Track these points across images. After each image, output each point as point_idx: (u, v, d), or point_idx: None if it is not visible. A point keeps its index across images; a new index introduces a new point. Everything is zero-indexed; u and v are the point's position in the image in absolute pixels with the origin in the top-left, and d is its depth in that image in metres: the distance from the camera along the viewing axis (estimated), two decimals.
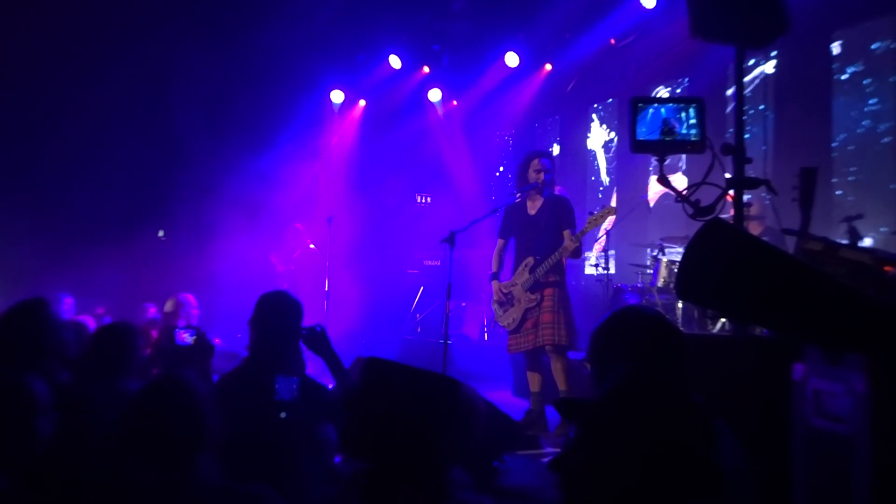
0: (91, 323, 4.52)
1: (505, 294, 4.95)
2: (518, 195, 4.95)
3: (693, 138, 2.67)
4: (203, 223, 9.14)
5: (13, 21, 7.61)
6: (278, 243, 8.58)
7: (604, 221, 4.88)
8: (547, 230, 4.82)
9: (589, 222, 4.77)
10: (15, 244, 7.90)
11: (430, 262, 8.34)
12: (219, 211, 8.89)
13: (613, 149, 8.87)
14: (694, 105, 2.66)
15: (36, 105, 8.20)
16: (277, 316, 2.78)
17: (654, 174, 8.15)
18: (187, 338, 3.06)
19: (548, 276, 4.75)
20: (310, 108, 9.73)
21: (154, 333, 5.04)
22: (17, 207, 8.08)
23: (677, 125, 2.67)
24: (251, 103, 9.30)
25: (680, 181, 7.56)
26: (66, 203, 8.46)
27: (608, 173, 8.94)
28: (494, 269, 5.08)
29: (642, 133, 2.67)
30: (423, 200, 9.70)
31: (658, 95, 7.71)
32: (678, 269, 1.95)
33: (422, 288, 8.31)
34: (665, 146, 2.71)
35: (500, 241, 5.11)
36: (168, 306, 5.06)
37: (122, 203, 8.84)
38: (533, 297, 4.77)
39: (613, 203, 8.37)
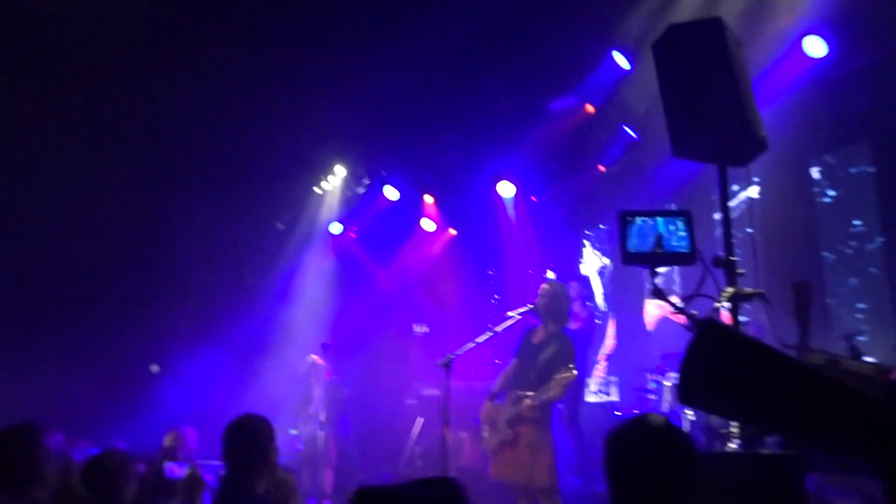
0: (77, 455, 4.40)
1: (493, 417, 4.89)
2: (518, 315, 4.95)
3: (683, 250, 2.72)
4: (200, 358, 9.08)
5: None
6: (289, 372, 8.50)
7: (566, 382, 4.68)
8: (543, 365, 4.79)
9: (551, 386, 4.60)
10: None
11: (428, 392, 8.17)
12: (214, 348, 8.91)
13: (608, 274, 8.96)
14: (682, 218, 2.72)
15: (40, 247, 8.35)
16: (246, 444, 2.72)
17: (649, 297, 8.22)
18: (178, 471, 3.00)
19: (530, 411, 4.66)
20: (314, 237, 9.97)
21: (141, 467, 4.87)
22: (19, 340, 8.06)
23: (667, 238, 2.72)
24: (244, 234, 9.53)
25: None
26: (61, 340, 8.44)
27: (605, 298, 8.97)
28: (496, 388, 5.03)
29: (633, 245, 2.72)
30: (421, 330, 9.68)
31: None
32: (679, 373, 1.92)
33: (420, 419, 8.09)
34: (656, 258, 2.75)
35: (514, 362, 5.06)
36: (167, 440, 4.95)
37: (114, 337, 8.83)
38: (508, 431, 4.71)
39: (611, 328, 8.35)
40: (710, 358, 1.86)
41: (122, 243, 8.77)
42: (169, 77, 7.16)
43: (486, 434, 4.95)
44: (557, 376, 4.56)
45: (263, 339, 9.12)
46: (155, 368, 9.67)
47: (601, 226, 9.07)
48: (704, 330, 2.04)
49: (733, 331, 2.54)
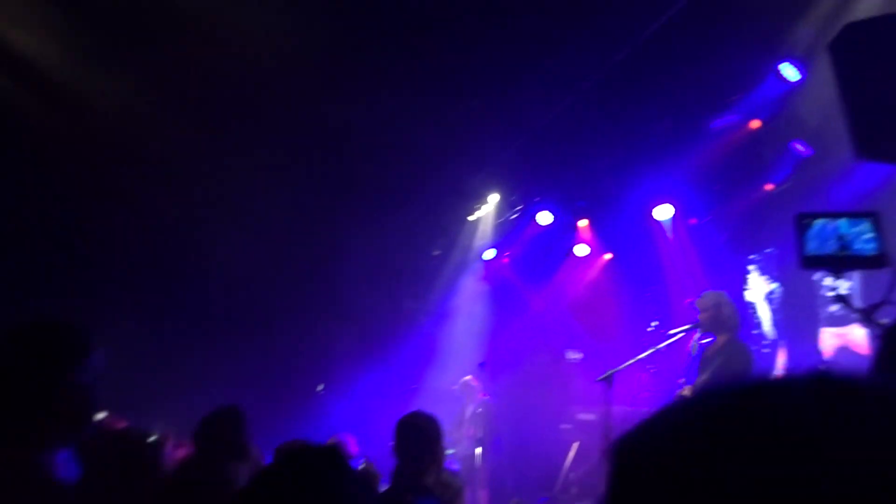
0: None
1: None
2: (680, 333, 4.82)
3: (871, 253, 2.55)
4: (360, 378, 9.53)
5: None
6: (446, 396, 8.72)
7: None
8: (715, 373, 4.59)
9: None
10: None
11: (584, 416, 8.04)
12: (374, 368, 9.33)
13: (777, 300, 8.43)
14: (869, 218, 2.56)
15: (219, 271, 9.14)
16: (416, 439, 2.83)
17: (827, 325, 7.62)
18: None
19: None
20: (468, 263, 10.22)
21: None
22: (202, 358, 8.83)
23: (852, 239, 2.56)
24: (407, 264, 9.92)
25: (859, 332, 7.00)
26: (237, 358, 9.15)
27: (773, 325, 8.44)
28: None
29: (812, 248, 2.58)
30: (574, 357, 9.58)
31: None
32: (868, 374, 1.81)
33: (576, 444, 7.96)
34: (840, 261, 2.59)
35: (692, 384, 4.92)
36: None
37: (285, 358, 9.48)
38: None
39: (781, 358, 7.82)
40: None
41: (291, 267, 9.46)
42: (340, 107, 7.67)
43: None
44: None
45: (420, 360, 9.41)
46: (320, 388, 10.25)
47: (768, 249, 8.57)
48: (893, 337, 1.91)
49: None
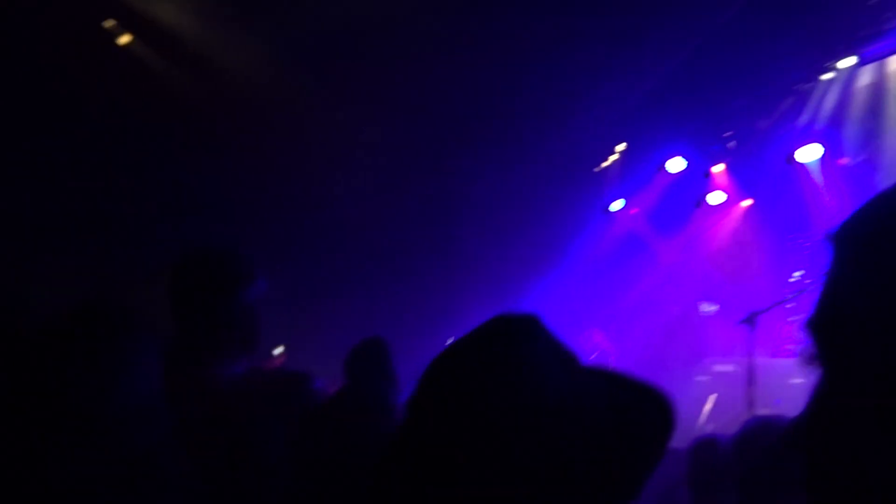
0: None
1: None
2: None
3: None
4: None
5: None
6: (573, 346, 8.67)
7: None
8: None
9: None
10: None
11: (721, 368, 7.73)
12: None
13: None
14: None
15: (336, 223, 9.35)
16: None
17: None
18: None
19: None
20: (591, 218, 10.03)
21: None
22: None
23: None
24: (535, 216, 9.83)
25: None
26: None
27: None
28: None
29: None
30: (709, 309, 9.20)
31: None
32: None
33: (713, 395, 7.67)
34: None
35: None
36: None
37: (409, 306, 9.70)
38: None
39: None
40: None
41: (408, 215, 9.58)
42: (463, 58, 7.64)
43: None
44: None
45: (550, 313, 9.35)
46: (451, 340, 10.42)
47: None
48: None
49: None
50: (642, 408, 0.90)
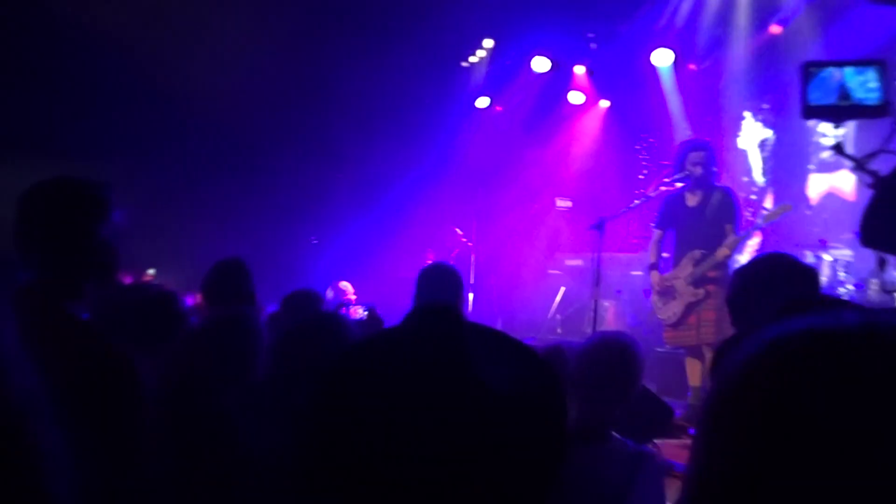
0: None
1: (666, 286, 4.90)
2: (678, 184, 4.90)
3: (873, 102, 2.56)
4: (357, 227, 9.65)
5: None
6: (434, 241, 8.89)
7: (777, 218, 4.79)
8: (711, 223, 4.74)
9: (765, 218, 4.70)
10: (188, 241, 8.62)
11: (571, 262, 8.31)
12: (372, 212, 9.42)
13: (769, 147, 8.46)
14: (874, 67, 2.54)
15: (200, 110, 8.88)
16: (440, 288, 2.93)
17: (816, 171, 7.72)
18: (360, 312, 3.34)
19: (714, 270, 4.67)
20: (457, 113, 10.06)
21: None
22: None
23: (854, 89, 2.56)
24: (401, 109, 9.74)
25: (847, 179, 7.11)
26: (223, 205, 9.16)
27: (763, 173, 8.53)
28: (653, 259, 5.07)
29: (815, 98, 2.59)
30: (564, 205, 9.70)
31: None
32: (863, 217, 1.91)
33: (563, 288, 8.28)
34: (840, 111, 2.61)
35: (658, 232, 5.08)
36: (330, 293, 5.48)
37: (279, 209, 9.54)
38: (697, 291, 4.71)
39: (769, 202, 7.99)
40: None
41: (282, 108, 9.24)
42: None
43: (659, 305, 4.96)
44: (731, 237, 4.59)
45: (414, 209, 9.47)
46: (314, 241, 10.40)
47: (764, 105, 8.44)
48: (888, 185, 1.98)
49: None
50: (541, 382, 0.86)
